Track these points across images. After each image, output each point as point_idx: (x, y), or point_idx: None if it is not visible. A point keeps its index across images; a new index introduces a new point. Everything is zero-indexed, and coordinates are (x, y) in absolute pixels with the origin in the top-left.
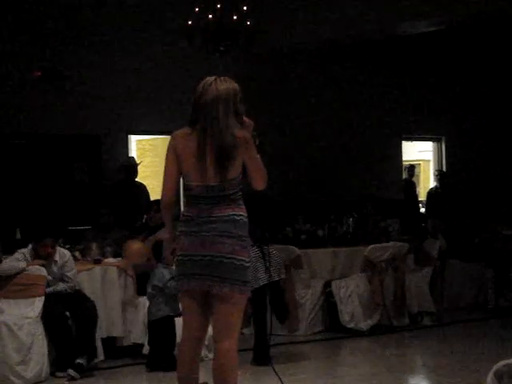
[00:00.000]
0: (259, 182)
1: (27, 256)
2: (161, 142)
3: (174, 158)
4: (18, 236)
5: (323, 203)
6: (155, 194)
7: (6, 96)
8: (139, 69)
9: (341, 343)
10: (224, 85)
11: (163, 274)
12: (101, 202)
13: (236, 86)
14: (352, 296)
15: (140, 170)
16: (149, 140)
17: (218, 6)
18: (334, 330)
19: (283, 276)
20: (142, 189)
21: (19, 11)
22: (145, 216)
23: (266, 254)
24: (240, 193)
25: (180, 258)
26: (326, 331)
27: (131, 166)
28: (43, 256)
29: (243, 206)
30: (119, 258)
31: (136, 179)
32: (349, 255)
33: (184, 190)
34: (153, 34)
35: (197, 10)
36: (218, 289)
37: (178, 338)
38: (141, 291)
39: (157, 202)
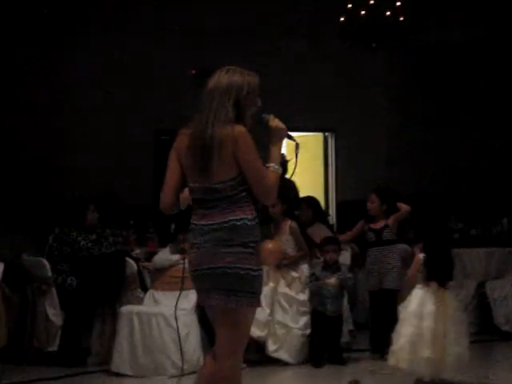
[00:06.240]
0: (259, 195)
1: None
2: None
3: (173, 157)
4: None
5: (476, 202)
6: None
7: (160, 95)
8: (281, 67)
9: (495, 346)
10: (228, 76)
11: None
12: None
13: (246, 78)
14: (507, 298)
15: None
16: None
17: (371, 1)
18: (487, 332)
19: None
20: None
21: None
22: None
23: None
24: (244, 193)
25: (190, 272)
26: (479, 333)
27: None
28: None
29: (248, 208)
30: None
31: None
32: (504, 256)
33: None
34: (301, 30)
35: (349, 6)
36: (223, 303)
37: None
38: None
39: None
